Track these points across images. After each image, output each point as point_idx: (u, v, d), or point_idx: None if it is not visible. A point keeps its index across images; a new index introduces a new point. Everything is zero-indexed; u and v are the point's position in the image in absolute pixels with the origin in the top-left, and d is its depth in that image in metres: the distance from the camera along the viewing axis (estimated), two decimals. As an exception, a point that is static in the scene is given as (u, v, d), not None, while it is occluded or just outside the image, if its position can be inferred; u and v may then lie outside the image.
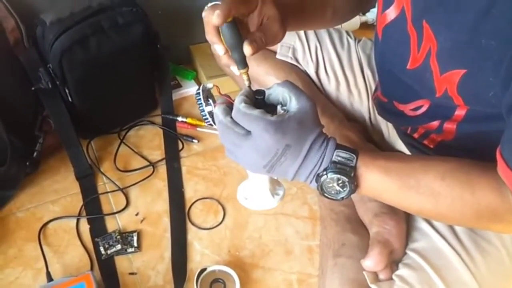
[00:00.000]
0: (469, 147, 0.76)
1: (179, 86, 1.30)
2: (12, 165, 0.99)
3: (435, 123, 0.79)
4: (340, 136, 0.97)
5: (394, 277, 0.77)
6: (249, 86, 0.67)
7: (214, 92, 0.91)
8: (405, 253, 0.81)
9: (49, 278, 0.89)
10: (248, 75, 0.68)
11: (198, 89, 0.92)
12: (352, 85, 1.04)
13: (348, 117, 1.04)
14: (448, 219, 0.72)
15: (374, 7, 0.89)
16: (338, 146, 0.63)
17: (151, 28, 1.06)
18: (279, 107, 0.64)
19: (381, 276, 0.78)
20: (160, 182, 1.08)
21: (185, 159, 1.13)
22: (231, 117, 0.62)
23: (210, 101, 0.84)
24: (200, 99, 0.92)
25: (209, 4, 0.65)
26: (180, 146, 1.16)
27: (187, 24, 1.35)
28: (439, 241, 0.78)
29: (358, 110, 1.04)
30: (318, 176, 0.63)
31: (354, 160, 0.63)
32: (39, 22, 1.00)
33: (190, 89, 1.30)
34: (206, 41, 1.11)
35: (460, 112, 0.74)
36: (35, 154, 1.03)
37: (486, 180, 0.61)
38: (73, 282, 0.85)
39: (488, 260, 0.77)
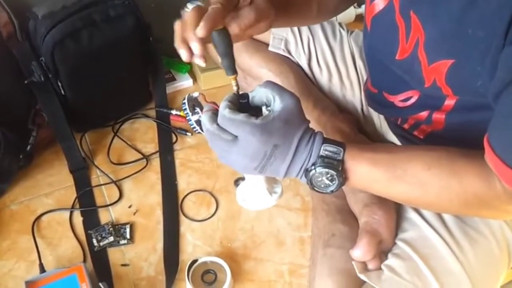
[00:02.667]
0: (458, 137, 0.76)
1: (173, 79, 1.30)
2: (5, 158, 0.99)
3: (424, 114, 0.79)
4: (331, 127, 0.97)
5: (382, 266, 0.77)
6: (237, 91, 0.66)
7: (201, 100, 0.91)
8: (394, 243, 0.81)
9: (42, 269, 0.89)
10: (236, 81, 0.67)
11: (184, 99, 0.92)
12: (345, 76, 1.04)
13: (340, 109, 1.04)
14: (436, 208, 0.73)
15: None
16: (325, 140, 0.64)
17: (143, 21, 1.06)
18: (264, 108, 0.65)
19: (370, 266, 0.78)
20: (154, 174, 1.09)
21: (178, 152, 1.14)
22: (218, 124, 0.62)
23: (197, 109, 0.84)
24: (186, 109, 0.93)
25: (190, 5, 0.63)
26: (174, 139, 1.16)
27: (180, 17, 1.35)
28: (428, 231, 0.78)
29: (350, 102, 1.04)
30: (307, 171, 0.64)
31: (341, 153, 0.63)
32: (31, 16, 1.01)
33: (184, 82, 1.30)
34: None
35: (449, 102, 0.74)
36: (28, 147, 1.03)
37: (473, 168, 0.61)
38: (65, 273, 0.86)
39: (476, 250, 0.77)
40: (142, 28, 1.06)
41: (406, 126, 0.87)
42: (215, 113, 0.64)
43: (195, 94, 0.91)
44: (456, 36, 0.62)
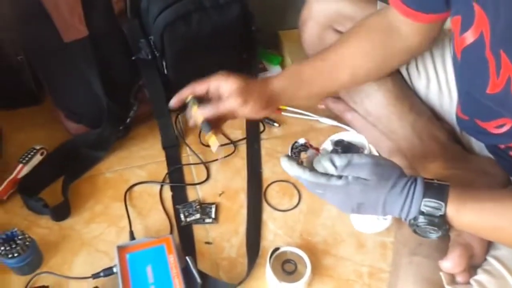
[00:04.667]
0: None
1: (264, 70, 1.32)
2: (106, 128, 1.05)
3: None
4: (428, 134, 0.96)
5: (472, 281, 0.75)
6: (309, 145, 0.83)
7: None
8: (485, 259, 0.79)
9: (132, 237, 0.94)
10: (215, 140, 0.80)
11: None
12: (443, 84, 1.02)
13: (436, 117, 1.01)
14: None
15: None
16: (426, 193, 0.65)
17: (248, 10, 1.08)
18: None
19: (459, 279, 0.77)
20: (240, 160, 1.11)
21: (265, 141, 1.16)
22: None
23: (304, 152, 0.89)
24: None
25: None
26: (261, 128, 1.18)
27: (278, 9, 1.37)
28: (521, 250, 0.76)
29: (447, 111, 1.01)
30: (409, 223, 0.67)
31: (443, 208, 0.64)
32: (143, -5, 1.05)
33: (275, 73, 1.32)
34: (295, 27, 1.14)
35: None
36: (128, 120, 1.09)
37: None
38: (154, 243, 0.89)
39: None
40: (247, 17, 1.08)
41: (502, 146, 0.84)
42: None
43: (301, 141, 0.96)
44: None
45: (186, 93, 0.83)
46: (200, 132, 1.16)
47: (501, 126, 0.79)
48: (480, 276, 0.76)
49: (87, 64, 1.01)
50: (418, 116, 0.98)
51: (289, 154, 0.98)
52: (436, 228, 0.65)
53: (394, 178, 0.65)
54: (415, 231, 0.68)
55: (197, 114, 0.81)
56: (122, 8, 1.12)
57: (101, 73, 1.01)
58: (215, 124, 0.83)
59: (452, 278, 0.77)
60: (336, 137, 0.74)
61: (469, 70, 0.77)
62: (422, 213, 0.64)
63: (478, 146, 0.98)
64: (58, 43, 0.98)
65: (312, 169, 0.68)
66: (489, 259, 0.78)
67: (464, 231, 0.80)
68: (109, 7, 1.05)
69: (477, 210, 0.65)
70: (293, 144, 1.01)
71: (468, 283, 0.76)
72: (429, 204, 0.64)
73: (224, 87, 0.81)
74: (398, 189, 0.65)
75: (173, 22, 0.99)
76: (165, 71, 1.07)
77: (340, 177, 0.66)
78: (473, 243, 0.78)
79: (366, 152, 0.71)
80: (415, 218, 0.65)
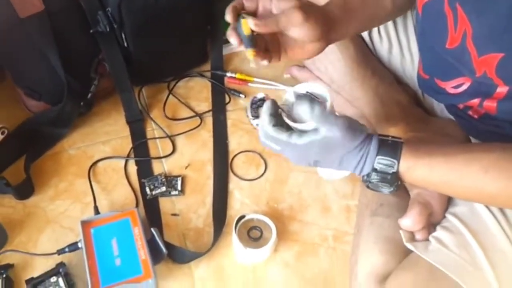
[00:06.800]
0: None
1: (229, 42, 1.30)
2: (67, 104, 1.03)
3: (476, 101, 0.79)
4: (389, 99, 0.96)
5: (430, 238, 0.77)
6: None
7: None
8: (444, 217, 0.81)
9: (96, 211, 0.93)
10: (253, 58, 0.68)
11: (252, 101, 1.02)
12: (405, 48, 1.02)
13: (399, 81, 1.02)
14: (493, 205, 0.74)
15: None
16: (380, 151, 0.65)
17: (209, -20, 1.07)
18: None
19: (418, 236, 0.79)
20: (206, 132, 1.11)
21: (231, 113, 1.15)
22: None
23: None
24: (247, 109, 1.05)
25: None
26: (227, 99, 1.18)
27: None
28: (480, 206, 0.77)
29: (409, 75, 1.03)
30: (362, 179, 0.68)
31: (396, 166, 0.66)
32: (100, -34, 1.02)
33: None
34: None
35: (501, 90, 0.73)
36: (89, 95, 1.07)
37: None
38: (119, 216, 0.89)
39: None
40: (208, -13, 1.07)
41: (460, 106, 0.86)
42: (273, 114, 0.68)
43: (260, 96, 0.95)
44: (504, 32, 0.61)
45: (237, 6, 0.68)
46: (164, 104, 1.14)
47: (459, 86, 0.80)
48: (439, 232, 0.77)
49: (45, 39, 0.98)
50: (381, 80, 0.98)
51: (249, 109, 1.01)
52: (388, 184, 0.67)
53: (357, 142, 0.65)
54: (368, 187, 0.69)
55: (246, 25, 0.65)
56: (78, -20, 1.09)
57: (59, 48, 0.98)
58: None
59: (411, 236, 0.79)
60: (299, 88, 0.73)
61: (430, 25, 0.78)
62: (375, 170, 0.66)
63: (440, 108, 0.99)
64: (14, 19, 0.95)
65: (276, 124, 0.67)
66: (448, 216, 0.80)
67: (424, 190, 0.82)
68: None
69: (428, 166, 0.66)
70: (252, 99, 1.02)
71: (427, 240, 0.78)
72: (382, 162, 0.65)
73: (280, 2, 0.68)
74: (357, 150, 0.66)
75: (129, -8, 0.97)
76: (125, 44, 1.05)
77: (300, 135, 0.65)
78: (432, 201, 0.80)
79: (328, 104, 0.70)
80: (368, 175, 0.66)
